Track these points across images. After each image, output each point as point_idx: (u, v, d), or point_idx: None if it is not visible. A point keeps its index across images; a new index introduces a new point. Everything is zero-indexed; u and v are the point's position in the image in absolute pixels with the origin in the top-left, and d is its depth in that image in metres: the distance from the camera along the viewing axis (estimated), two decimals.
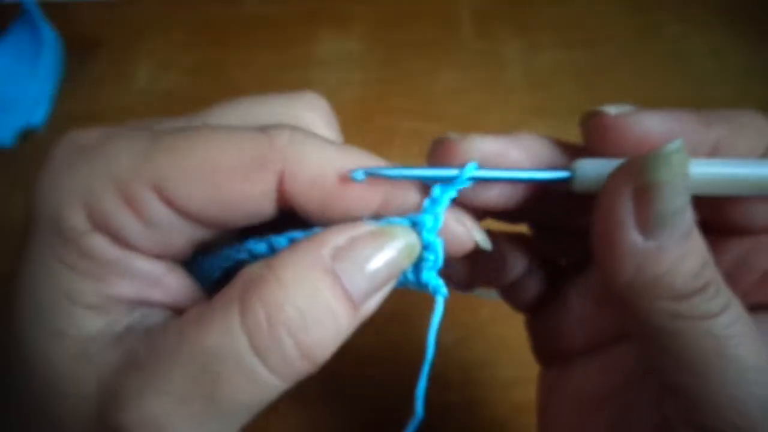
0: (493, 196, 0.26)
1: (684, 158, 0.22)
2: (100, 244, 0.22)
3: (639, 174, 0.22)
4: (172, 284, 0.24)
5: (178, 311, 0.24)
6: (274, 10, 0.73)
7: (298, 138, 0.23)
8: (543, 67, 0.67)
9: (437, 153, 0.25)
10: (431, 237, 0.24)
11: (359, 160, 0.24)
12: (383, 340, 0.48)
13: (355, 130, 0.65)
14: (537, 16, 0.72)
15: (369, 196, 0.24)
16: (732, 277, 0.26)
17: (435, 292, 0.25)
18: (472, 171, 0.24)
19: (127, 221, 0.22)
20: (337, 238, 0.22)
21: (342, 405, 0.46)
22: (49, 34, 0.65)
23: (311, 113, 0.28)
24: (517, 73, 0.67)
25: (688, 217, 0.22)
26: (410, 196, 0.25)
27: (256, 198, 0.23)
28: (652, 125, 0.24)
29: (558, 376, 0.33)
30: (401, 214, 0.24)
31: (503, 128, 0.63)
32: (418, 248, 0.24)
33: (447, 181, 0.24)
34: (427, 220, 0.24)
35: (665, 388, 0.24)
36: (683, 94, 0.64)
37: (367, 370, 0.47)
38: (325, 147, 0.23)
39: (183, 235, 0.23)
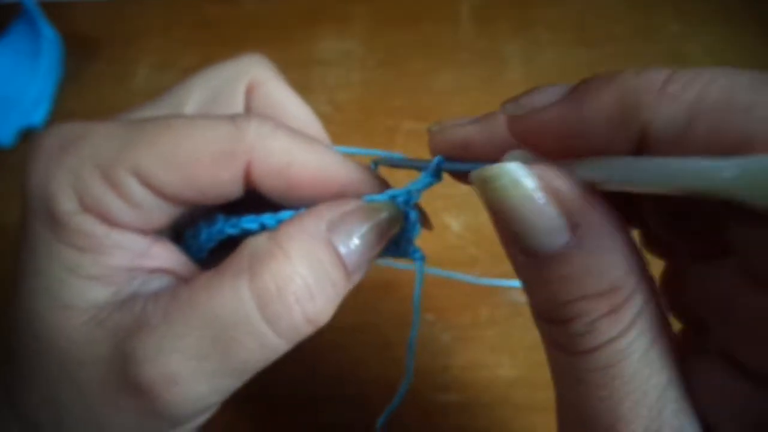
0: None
1: (511, 182, 0.19)
2: (90, 222, 0.24)
3: (479, 194, 0.21)
4: (159, 253, 0.27)
5: (174, 275, 0.27)
6: (274, 10, 0.73)
7: (265, 131, 0.25)
8: (543, 67, 0.67)
9: (430, 142, 0.27)
10: (408, 209, 0.27)
11: (320, 154, 0.26)
12: (382, 341, 0.48)
13: (355, 130, 0.65)
14: (537, 15, 0.72)
15: (326, 187, 0.26)
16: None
17: (413, 257, 0.29)
18: (435, 164, 0.27)
19: (113, 202, 0.24)
20: (331, 212, 0.25)
21: (342, 406, 0.46)
22: (49, 34, 0.65)
23: (259, 69, 0.31)
24: (517, 73, 0.67)
25: (556, 237, 0.19)
26: (363, 187, 0.27)
27: (224, 184, 0.25)
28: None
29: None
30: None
31: None
32: (401, 220, 0.27)
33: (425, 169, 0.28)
34: (402, 193, 0.27)
35: None
36: None
37: (358, 372, 0.47)
38: (291, 142, 0.26)
39: (163, 212, 0.26)
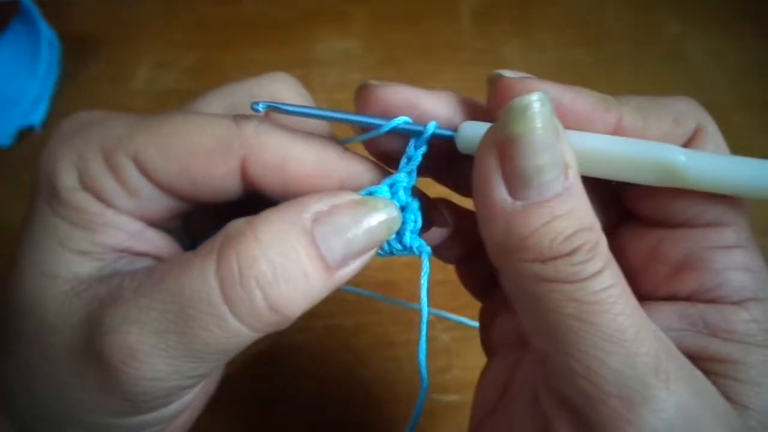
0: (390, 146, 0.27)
1: (545, 111, 0.21)
2: (86, 200, 0.25)
3: (500, 127, 0.22)
4: (152, 237, 0.27)
5: (162, 260, 0.27)
6: (274, 10, 0.73)
7: (263, 128, 0.25)
8: (543, 67, 0.67)
9: (360, 99, 0.26)
10: (407, 197, 0.26)
11: (318, 149, 0.26)
12: (383, 341, 0.48)
13: (355, 130, 0.65)
14: (537, 15, 0.72)
15: (324, 183, 0.26)
16: (644, 268, 0.26)
17: (420, 252, 0.26)
18: (399, 123, 0.25)
19: (109, 184, 0.25)
20: (319, 203, 0.24)
21: (343, 406, 0.46)
22: (47, 34, 0.65)
23: (280, 86, 0.30)
24: None
25: (559, 177, 0.21)
26: (364, 180, 0.26)
27: (219, 177, 0.25)
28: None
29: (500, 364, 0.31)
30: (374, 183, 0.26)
31: None
32: (398, 221, 0.25)
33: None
34: (402, 178, 0.26)
35: (536, 355, 0.24)
36: (682, 94, 0.64)
37: (360, 372, 0.47)
38: (288, 138, 0.25)
39: (160, 204, 0.26)
